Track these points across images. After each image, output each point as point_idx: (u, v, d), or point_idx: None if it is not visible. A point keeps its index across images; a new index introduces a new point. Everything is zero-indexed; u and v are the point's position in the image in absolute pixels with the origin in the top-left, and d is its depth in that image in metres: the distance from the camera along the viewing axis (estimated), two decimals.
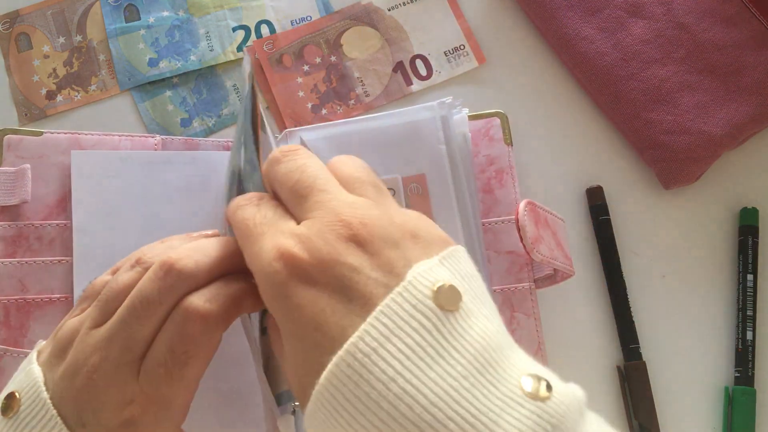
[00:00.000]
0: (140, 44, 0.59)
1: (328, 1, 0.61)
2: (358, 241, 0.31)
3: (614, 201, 0.58)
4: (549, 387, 0.29)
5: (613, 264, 0.56)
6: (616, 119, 0.58)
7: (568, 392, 0.29)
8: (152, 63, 0.59)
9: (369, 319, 0.29)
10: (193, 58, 0.59)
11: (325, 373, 0.29)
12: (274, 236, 0.32)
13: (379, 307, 0.29)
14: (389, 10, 0.61)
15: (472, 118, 0.54)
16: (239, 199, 0.37)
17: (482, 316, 0.31)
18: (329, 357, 0.29)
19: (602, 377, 0.55)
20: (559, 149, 0.59)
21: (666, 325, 0.56)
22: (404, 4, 0.61)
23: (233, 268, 0.37)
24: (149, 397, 0.34)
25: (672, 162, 0.56)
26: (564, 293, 0.55)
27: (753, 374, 0.55)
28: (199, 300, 0.34)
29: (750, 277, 0.56)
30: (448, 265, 0.32)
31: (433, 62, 0.60)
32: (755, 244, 0.57)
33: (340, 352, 0.28)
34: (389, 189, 0.50)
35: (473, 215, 0.50)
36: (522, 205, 0.48)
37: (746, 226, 0.57)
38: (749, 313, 0.56)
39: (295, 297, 0.30)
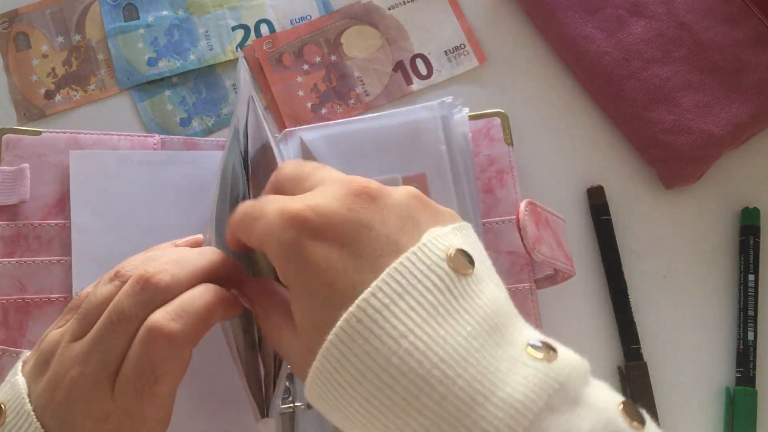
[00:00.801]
0: (139, 43, 0.59)
1: (327, 0, 0.61)
2: (368, 196, 0.32)
3: (615, 201, 0.57)
4: (554, 350, 0.30)
5: (614, 264, 0.56)
6: (617, 119, 0.58)
7: (573, 356, 0.30)
8: (151, 62, 0.59)
9: (383, 276, 0.29)
10: (192, 57, 0.59)
11: (334, 329, 0.29)
12: (280, 206, 0.33)
13: (393, 265, 0.29)
14: (389, 9, 0.61)
15: (472, 117, 0.54)
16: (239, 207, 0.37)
17: (492, 283, 0.31)
18: (340, 312, 0.29)
19: (603, 377, 0.54)
20: (559, 149, 0.59)
21: (667, 325, 0.56)
22: (404, 3, 0.61)
23: (212, 279, 0.37)
24: (124, 412, 0.34)
25: (673, 162, 0.56)
26: (564, 293, 0.55)
27: (754, 375, 0.55)
28: (164, 318, 0.34)
29: (751, 277, 0.56)
30: (461, 234, 0.32)
31: (433, 61, 0.60)
32: (756, 244, 0.57)
33: (352, 308, 0.29)
34: None
35: (473, 215, 0.50)
36: (523, 205, 0.47)
37: (747, 226, 0.57)
38: (750, 313, 0.55)
39: (306, 252, 0.31)
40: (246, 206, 0.36)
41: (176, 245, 0.41)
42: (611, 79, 0.56)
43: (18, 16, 0.59)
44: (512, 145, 0.54)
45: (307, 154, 0.51)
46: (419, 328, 0.28)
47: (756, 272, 0.56)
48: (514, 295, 0.51)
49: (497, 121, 0.54)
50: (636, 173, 0.59)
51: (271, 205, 0.33)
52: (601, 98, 0.58)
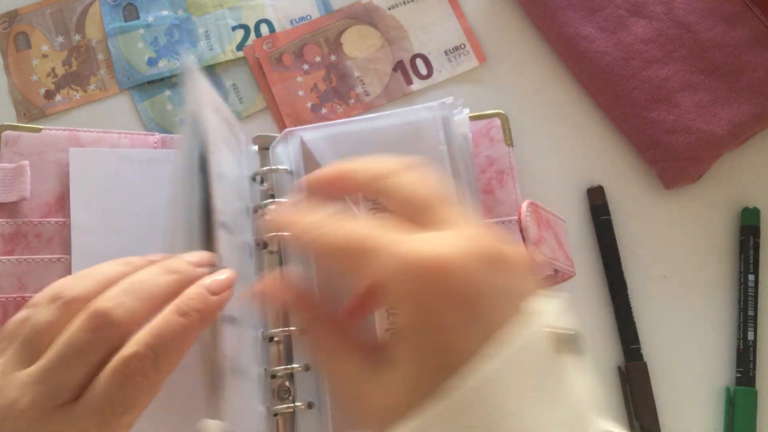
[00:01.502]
0: (139, 43, 0.59)
1: (327, 0, 0.61)
2: (502, 263, 0.30)
3: (615, 201, 0.57)
4: None
5: (614, 264, 0.56)
6: (617, 119, 0.58)
7: None
8: (151, 62, 0.59)
9: (506, 349, 0.28)
10: (192, 57, 0.59)
11: (451, 395, 0.28)
12: (408, 249, 0.30)
13: (516, 341, 0.28)
14: (389, 9, 0.61)
15: (472, 118, 0.54)
16: (317, 219, 0.34)
17: (586, 367, 0.31)
18: (453, 377, 0.28)
19: (603, 378, 0.55)
20: (559, 149, 0.59)
21: (667, 325, 0.56)
22: (404, 3, 0.61)
23: (172, 300, 0.36)
24: None
25: (673, 162, 0.56)
26: (564, 293, 0.55)
27: (754, 375, 0.55)
28: (140, 352, 0.34)
29: (751, 277, 0.56)
30: (569, 311, 0.31)
31: (433, 61, 0.60)
32: (756, 244, 0.57)
33: (472, 380, 0.28)
34: None
35: (473, 216, 0.50)
36: (525, 205, 0.47)
37: (747, 226, 0.57)
38: (750, 313, 0.55)
39: (433, 309, 0.29)
40: (350, 234, 0.32)
41: (128, 266, 0.39)
42: (611, 79, 0.57)
43: (18, 16, 0.60)
44: (512, 145, 0.54)
45: (307, 154, 0.51)
46: (528, 411, 0.28)
47: (756, 272, 0.56)
48: None
49: (497, 121, 0.54)
50: (636, 173, 0.59)
51: (395, 244, 0.31)
52: (601, 98, 0.58)
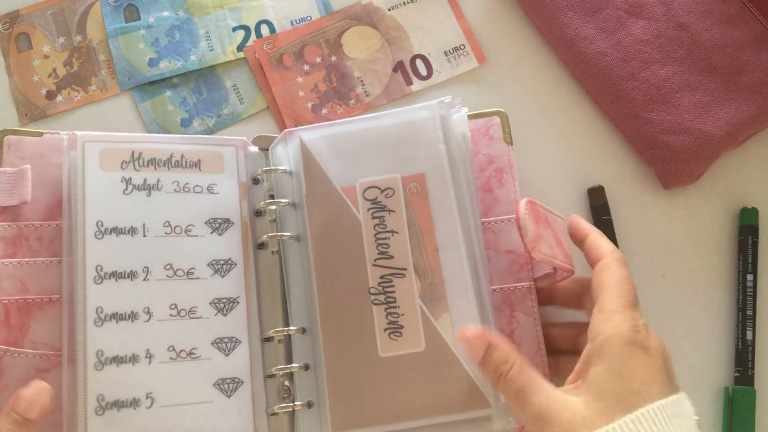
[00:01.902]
0: (140, 44, 0.59)
1: (327, 1, 0.61)
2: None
3: (615, 201, 0.58)
4: None
5: None
6: (617, 119, 0.58)
7: None
8: (152, 63, 0.59)
9: (666, 400, 0.39)
10: (193, 58, 0.59)
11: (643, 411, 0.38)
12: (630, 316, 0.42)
13: (684, 402, 0.41)
14: (389, 9, 0.61)
15: (471, 117, 0.54)
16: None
17: None
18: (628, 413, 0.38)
19: None
20: (560, 149, 0.59)
21: (666, 324, 0.56)
22: (404, 3, 0.61)
23: None
24: None
25: (672, 162, 0.56)
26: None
27: (753, 374, 0.55)
28: None
29: (750, 277, 0.56)
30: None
31: (433, 62, 0.60)
32: (755, 244, 0.57)
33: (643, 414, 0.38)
34: (389, 189, 0.50)
35: (473, 215, 0.50)
36: (522, 204, 0.48)
37: (746, 226, 0.57)
38: (749, 313, 0.56)
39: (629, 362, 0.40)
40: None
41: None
42: (610, 80, 0.57)
43: (19, 16, 0.60)
44: (512, 144, 0.54)
45: (307, 155, 0.51)
46: None
47: (755, 272, 0.56)
48: (514, 294, 0.51)
49: (496, 120, 0.54)
50: (635, 173, 0.59)
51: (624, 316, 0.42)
52: (601, 98, 0.58)
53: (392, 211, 0.50)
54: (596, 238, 0.48)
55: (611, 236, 0.56)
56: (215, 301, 0.49)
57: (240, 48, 0.60)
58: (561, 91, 0.60)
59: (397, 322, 0.48)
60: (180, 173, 0.51)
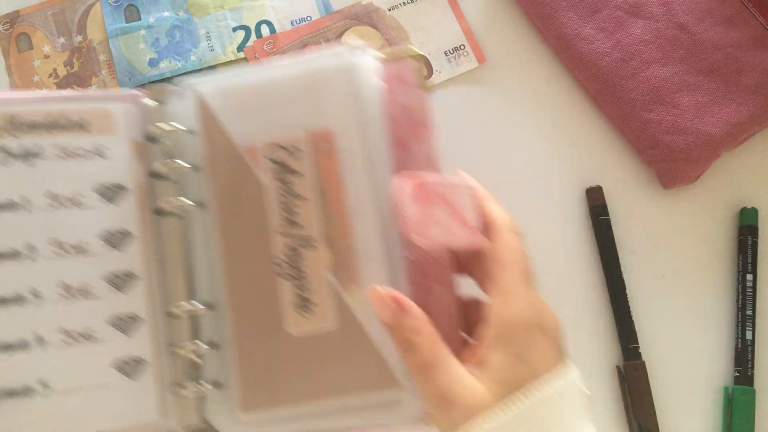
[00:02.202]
0: (140, 44, 0.59)
1: (328, 1, 0.61)
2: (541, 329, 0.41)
3: (614, 201, 0.58)
4: None
5: (613, 264, 0.56)
6: (616, 119, 0.58)
7: None
8: (152, 63, 0.59)
9: (567, 376, 0.40)
10: (193, 58, 0.59)
11: (525, 399, 0.38)
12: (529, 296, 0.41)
13: (570, 370, 0.40)
14: (389, 10, 0.61)
15: (384, 61, 0.46)
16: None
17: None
18: (529, 384, 0.38)
19: (601, 377, 0.55)
20: (558, 149, 0.59)
21: (665, 325, 0.56)
22: (404, 4, 0.61)
23: None
24: None
25: (671, 162, 0.56)
26: (563, 293, 0.56)
27: (752, 374, 0.55)
28: None
29: (749, 276, 0.56)
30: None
31: (433, 62, 0.60)
32: (755, 244, 0.57)
33: (544, 390, 0.38)
34: (294, 148, 0.45)
35: (385, 173, 0.45)
36: (408, 191, 0.42)
37: (746, 226, 0.57)
38: (749, 312, 0.56)
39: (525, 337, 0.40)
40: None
41: None
42: (610, 80, 0.57)
43: (20, 16, 0.60)
44: (429, 92, 0.47)
45: (205, 110, 0.45)
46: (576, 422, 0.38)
47: (754, 272, 0.56)
48: (428, 262, 0.45)
49: (412, 64, 0.46)
50: (635, 173, 0.59)
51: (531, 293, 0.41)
52: (600, 98, 0.58)
53: (299, 173, 0.45)
54: (487, 203, 0.43)
55: (609, 236, 0.56)
56: (111, 276, 0.45)
57: (240, 48, 0.60)
58: (560, 91, 0.60)
59: (306, 297, 0.44)
60: (62, 136, 0.46)
